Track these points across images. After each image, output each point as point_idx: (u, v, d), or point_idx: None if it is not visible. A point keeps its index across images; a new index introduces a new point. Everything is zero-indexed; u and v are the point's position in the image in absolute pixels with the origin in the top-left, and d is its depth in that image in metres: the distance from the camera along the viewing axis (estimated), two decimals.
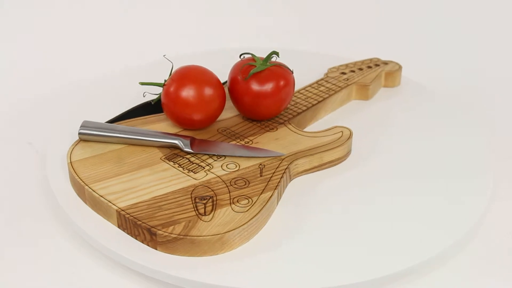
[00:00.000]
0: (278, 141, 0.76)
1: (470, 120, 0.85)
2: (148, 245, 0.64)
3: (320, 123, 0.84)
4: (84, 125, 0.75)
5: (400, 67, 0.93)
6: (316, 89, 0.87)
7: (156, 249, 0.63)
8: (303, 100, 0.84)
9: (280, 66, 0.78)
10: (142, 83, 0.77)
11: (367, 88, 0.88)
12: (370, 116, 0.86)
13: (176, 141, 0.74)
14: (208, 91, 0.75)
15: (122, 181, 0.69)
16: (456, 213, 0.69)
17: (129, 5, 1.17)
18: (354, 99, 0.90)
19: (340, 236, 0.66)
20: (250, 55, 0.79)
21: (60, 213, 0.70)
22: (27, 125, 0.89)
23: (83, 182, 0.69)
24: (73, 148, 0.74)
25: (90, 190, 0.68)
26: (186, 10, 1.18)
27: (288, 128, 0.78)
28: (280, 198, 0.70)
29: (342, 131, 0.78)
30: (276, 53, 0.77)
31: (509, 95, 0.98)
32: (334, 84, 0.88)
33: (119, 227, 0.66)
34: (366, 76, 0.90)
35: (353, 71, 0.91)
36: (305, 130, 0.82)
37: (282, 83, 0.77)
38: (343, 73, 0.91)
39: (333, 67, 0.93)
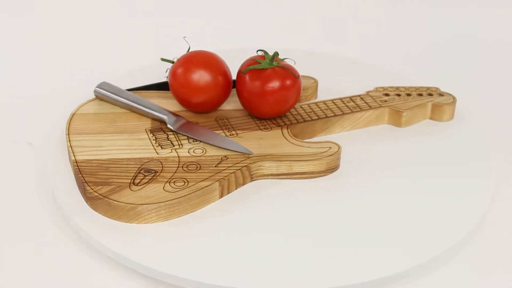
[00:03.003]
0: (260, 141, 0.76)
1: (472, 120, 0.85)
2: (83, 198, 0.69)
3: (333, 137, 0.81)
4: (100, 86, 0.83)
5: (453, 101, 0.84)
6: (344, 103, 0.84)
7: (87, 203, 0.69)
8: (321, 110, 0.82)
9: (286, 69, 0.77)
10: (163, 59, 0.82)
11: (400, 114, 0.82)
12: (386, 141, 0.81)
13: (164, 117, 0.78)
14: (207, 77, 0.77)
15: (98, 138, 0.75)
16: (457, 213, 0.69)
17: (141, 4, 1.17)
18: (387, 123, 0.84)
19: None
20: (263, 52, 0.79)
21: (60, 213, 0.71)
22: (27, 125, 0.88)
23: (67, 131, 0.77)
24: (86, 103, 0.82)
25: (68, 139, 0.75)
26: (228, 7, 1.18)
27: (281, 132, 0.77)
28: (227, 192, 0.71)
29: (330, 147, 0.75)
30: (276, 54, 0.76)
31: (508, 95, 0.97)
32: (366, 103, 0.84)
33: (74, 175, 0.72)
34: (406, 103, 0.84)
35: (398, 95, 0.86)
36: (306, 140, 0.80)
37: (279, 85, 0.76)
38: (387, 94, 0.86)
39: (381, 87, 0.88)
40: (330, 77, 0.94)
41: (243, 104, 0.79)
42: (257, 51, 0.80)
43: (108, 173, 0.70)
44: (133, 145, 0.75)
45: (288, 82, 0.76)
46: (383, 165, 0.77)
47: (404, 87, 0.88)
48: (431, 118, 0.86)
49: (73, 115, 0.80)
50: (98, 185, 0.68)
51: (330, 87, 0.91)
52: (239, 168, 0.71)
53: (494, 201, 0.72)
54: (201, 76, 0.78)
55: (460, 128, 0.84)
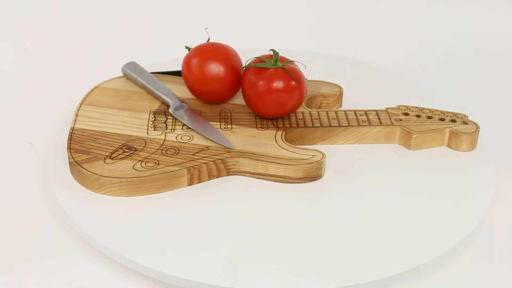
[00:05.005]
0: (249, 138, 0.76)
1: (493, 152, 0.81)
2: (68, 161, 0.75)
3: (334, 147, 0.79)
4: (127, 65, 0.87)
5: (475, 131, 0.78)
6: (356, 116, 0.81)
7: (69, 166, 0.74)
8: (328, 119, 0.80)
9: (288, 72, 0.76)
10: (187, 47, 0.85)
11: (410, 136, 0.78)
12: (388, 155, 0.79)
13: (169, 100, 0.81)
14: (217, 69, 0.79)
15: (104, 112, 0.80)
16: (458, 214, 0.69)
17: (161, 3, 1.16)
18: (397, 143, 0.80)
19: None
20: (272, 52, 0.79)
21: (60, 213, 0.71)
22: (27, 125, 0.89)
23: (82, 101, 0.82)
24: (112, 79, 0.88)
25: (78, 107, 0.81)
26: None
27: (275, 133, 0.77)
28: (198, 181, 0.72)
29: (314, 155, 0.73)
30: (277, 54, 0.76)
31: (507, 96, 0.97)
32: (378, 119, 0.80)
33: None
34: (421, 125, 0.79)
35: (418, 116, 0.81)
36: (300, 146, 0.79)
37: (277, 86, 0.75)
38: (406, 114, 0.82)
39: (404, 105, 0.84)
40: (363, 87, 0.92)
41: (245, 101, 0.80)
42: (270, 50, 0.80)
43: (93, 144, 0.74)
44: (130, 122, 0.78)
45: (287, 84, 0.76)
46: (380, 169, 0.76)
47: (428, 109, 0.83)
48: (448, 145, 0.80)
49: (95, 87, 0.86)
50: (79, 152, 0.73)
51: (359, 99, 0.89)
52: (213, 160, 0.72)
53: (494, 201, 0.73)
54: (211, 68, 0.79)
55: (475, 157, 0.79)
